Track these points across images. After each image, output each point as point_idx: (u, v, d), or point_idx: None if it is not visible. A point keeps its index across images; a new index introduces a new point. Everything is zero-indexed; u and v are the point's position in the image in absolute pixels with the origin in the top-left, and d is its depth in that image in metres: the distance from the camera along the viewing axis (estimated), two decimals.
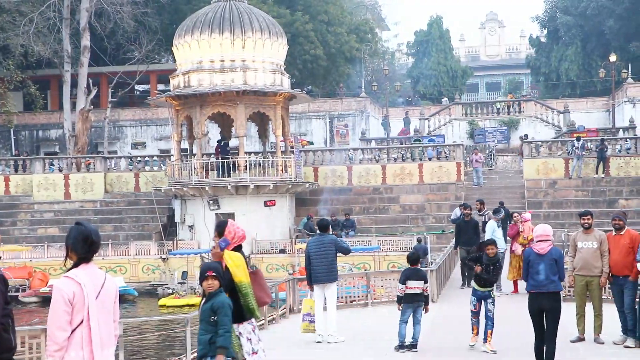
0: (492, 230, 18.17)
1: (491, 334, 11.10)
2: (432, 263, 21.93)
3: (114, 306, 4.98)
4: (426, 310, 11.48)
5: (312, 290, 12.56)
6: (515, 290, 18.17)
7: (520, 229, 18.15)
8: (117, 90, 45.60)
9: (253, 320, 7.17)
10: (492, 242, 11.57)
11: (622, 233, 11.52)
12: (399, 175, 36.92)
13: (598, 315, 11.70)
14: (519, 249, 18.00)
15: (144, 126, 48.59)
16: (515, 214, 18.78)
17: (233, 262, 6.97)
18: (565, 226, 30.80)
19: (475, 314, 11.26)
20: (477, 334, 11.31)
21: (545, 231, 9.63)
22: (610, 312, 11.87)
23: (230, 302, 6.64)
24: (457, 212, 20.31)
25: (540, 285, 9.34)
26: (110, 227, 36.16)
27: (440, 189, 36.25)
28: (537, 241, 9.60)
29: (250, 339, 7.16)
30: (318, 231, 12.43)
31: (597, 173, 35.16)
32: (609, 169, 35.28)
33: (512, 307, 15.86)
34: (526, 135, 43.11)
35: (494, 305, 11.19)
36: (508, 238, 19.04)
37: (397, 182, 36.77)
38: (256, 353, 7.19)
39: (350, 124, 49.10)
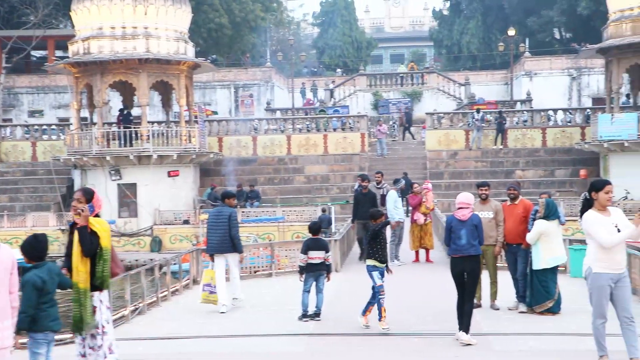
0: (394, 201, 18.43)
1: (385, 309, 10.81)
2: (335, 233, 22.12)
3: (10, 278, 4.79)
4: (328, 279, 11.62)
5: (212, 260, 12.71)
6: (417, 260, 18.53)
7: (423, 199, 18.44)
8: (12, 55, 43.67)
9: None
10: (377, 212, 11.42)
11: (516, 203, 11.88)
12: (303, 145, 37.07)
13: (493, 283, 12.09)
14: (421, 219, 18.31)
15: (41, 94, 46.80)
16: (416, 185, 19.03)
17: (101, 226, 6.88)
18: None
19: (374, 295, 10.77)
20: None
21: (467, 199, 10.01)
22: (506, 279, 12.28)
23: (34, 280, 6.24)
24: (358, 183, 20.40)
25: (462, 249, 9.76)
26: (6, 197, 34.98)
27: (345, 159, 36.63)
28: (459, 208, 10.00)
29: (109, 307, 7.11)
30: (220, 202, 12.72)
31: (495, 144, 36.26)
32: (507, 141, 36.42)
33: (412, 277, 16.25)
34: (409, 107, 44.07)
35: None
36: (409, 208, 19.27)
37: (302, 153, 36.97)
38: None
39: (255, 94, 48.77)
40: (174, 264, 15.72)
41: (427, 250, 18.58)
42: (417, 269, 17.43)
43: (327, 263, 11.58)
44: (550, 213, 11.25)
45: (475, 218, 9.96)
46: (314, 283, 11.51)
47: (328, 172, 36.13)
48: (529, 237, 11.24)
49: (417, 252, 18.64)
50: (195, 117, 34.57)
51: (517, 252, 11.75)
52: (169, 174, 32.60)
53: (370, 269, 10.90)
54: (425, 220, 18.39)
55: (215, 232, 12.43)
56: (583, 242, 14.63)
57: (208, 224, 12.63)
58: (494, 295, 12.10)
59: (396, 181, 19.60)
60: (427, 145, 37.15)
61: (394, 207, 18.49)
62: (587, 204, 7.46)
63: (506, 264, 12.49)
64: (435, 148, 36.69)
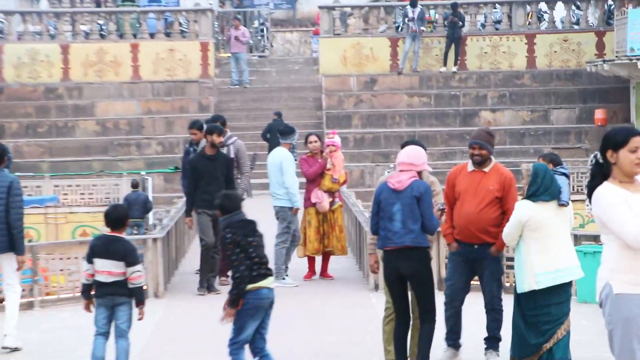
0: (291, 166, 18.00)
1: None
2: (155, 226, 22.05)
3: None
4: (140, 315, 11.33)
5: None
6: (311, 274, 18.63)
7: (327, 164, 18.32)
8: None
9: None
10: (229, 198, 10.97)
11: (485, 170, 11.87)
12: (94, 64, 37.00)
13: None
14: (325, 201, 18.17)
15: None
16: (312, 138, 18.64)
17: None
18: (390, 158, 32.00)
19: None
20: None
21: (409, 157, 10.59)
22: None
23: None
24: None
25: (395, 237, 10.48)
26: None
27: (172, 91, 36.85)
28: (400, 170, 10.59)
29: None
30: None
31: (445, 65, 36.82)
32: (466, 58, 37.10)
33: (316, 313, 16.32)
34: None
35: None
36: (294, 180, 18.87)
37: (92, 78, 36.94)
38: None
39: None
40: None
41: (327, 258, 18.72)
42: (318, 291, 17.52)
43: (134, 284, 11.25)
44: (541, 188, 10.99)
45: (419, 187, 10.59)
46: (111, 319, 11.29)
47: (141, 114, 36.17)
48: (505, 233, 11.16)
49: (312, 261, 18.71)
50: None
51: (482, 257, 11.78)
52: None
53: (249, 306, 10.56)
54: (333, 202, 18.45)
55: None
56: (597, 239, 14.99)
57: None
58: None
59: (285, 132, 18.56)
60: (322, 67, 37.57)
61: (294, 180, 18.16)
62: (600, 173, 7.43)
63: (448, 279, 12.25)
64: (337, 71, 37.19)
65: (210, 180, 17.17)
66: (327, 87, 36.80)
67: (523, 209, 10.95)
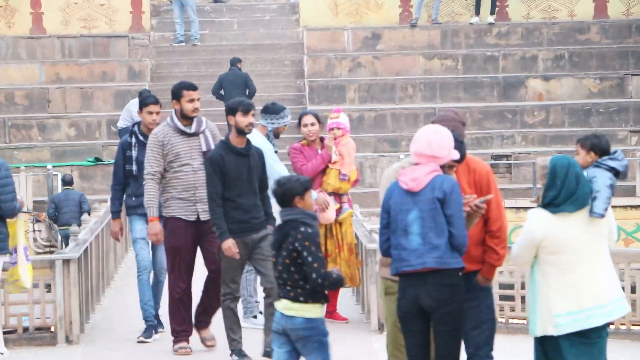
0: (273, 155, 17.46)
1: None
2: (70, 238, 22.02)
3: None
4: None
5: None
6: (332, 312, 18.34)
7: (333, 156, 18.43)
8: None
9: None
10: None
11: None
12: None
13: None
14: (330, 209, 18.13)
15: None
16: (308, 119, 18.65)
17: None
18: (400, 145, 32.32)
19: None
20: None
21: (431, 146, 10.85)
22: None
23: None
24: (129, 112, 20.68)
25: (412, 257, 10.73)
26: None
27: (91, 50, 37.07)
28: (415, 163, 10.97)
29: None
30: None
31: (477, 14, 36.77)
32: (507, 4, 37.03)
33: None
34: None
35: None
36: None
37: None
38: None
39: None
40: None
41: (337, 291, 18.55)
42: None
43: None
44: (562, 194, 11.26)
45: (442, 184, 10.84)
46: None
47: (46, 83, 36.12)
48: (514, 253, 11.71)
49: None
50: None
51: (467, 292, 11.90)
52: None
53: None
54: (340, 210, 18.48)
55: None
56: None
57: None
58: None
59: (269, 110, 18.08)
60: (304, 16, 37.82)
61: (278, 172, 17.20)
62: None
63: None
64: (325, 23, 37.68)
65: (243, 187, 15.24)
66: (310, 46, 37.03)
67: (537, 223, 11.28)
